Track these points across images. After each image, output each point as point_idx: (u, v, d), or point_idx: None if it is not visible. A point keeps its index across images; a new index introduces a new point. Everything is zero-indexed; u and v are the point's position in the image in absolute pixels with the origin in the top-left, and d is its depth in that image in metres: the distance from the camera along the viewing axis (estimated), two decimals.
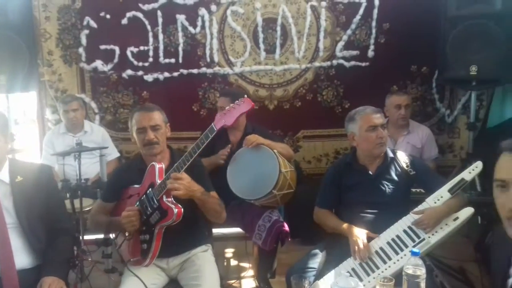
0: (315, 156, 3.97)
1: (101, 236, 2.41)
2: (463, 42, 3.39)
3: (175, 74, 3.77)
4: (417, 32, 3.73)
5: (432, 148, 3.49)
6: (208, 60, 3.78)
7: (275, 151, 2.70)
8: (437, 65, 3.68)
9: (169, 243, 2.14)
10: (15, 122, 4.30)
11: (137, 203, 2.16)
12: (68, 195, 2.71)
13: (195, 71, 3.78)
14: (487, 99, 3.94)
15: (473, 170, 2.18)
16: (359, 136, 2.39)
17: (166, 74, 3.76)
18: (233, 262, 3.45)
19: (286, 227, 2.73)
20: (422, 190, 2.44)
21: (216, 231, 3.26)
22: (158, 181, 2.10)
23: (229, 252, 3.55)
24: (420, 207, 2.21)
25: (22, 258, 1.97)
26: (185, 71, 3.77)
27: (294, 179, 2.76)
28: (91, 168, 3.39)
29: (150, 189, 2.13)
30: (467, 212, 2.10)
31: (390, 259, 2.12)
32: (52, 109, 3.76)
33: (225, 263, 3.41)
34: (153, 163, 2.17)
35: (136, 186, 2.23)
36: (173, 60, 3.77)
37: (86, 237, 2.76)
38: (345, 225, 2.32)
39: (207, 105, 3.84)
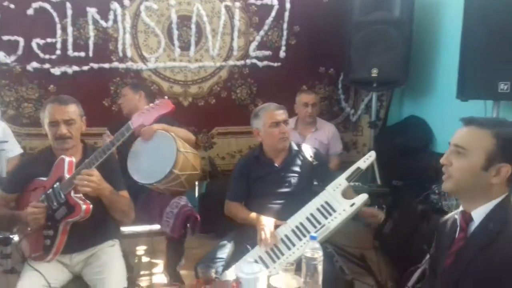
0: (229, 152, 4.05)
1: None
2: (366, 46, 3.64)
3: (85, 68, 3.64)
4: (325, 36, 3.95)
5: (337, 144, 3.73)
6: (121, 54, 3.70)
7: (171, 133, 2.71)
8: (343, 67, 3.90)
9: (74, 239, 2.08)
10: None
11: (43, 196, 2.07)
12: None
13: (106, 65, 3.68)
14: (387, 99, 4.27)
15: (367, 159, 2.38)
16: (263, 132, 2.52)
17: (75, 68, 3.62)
18: (145, 259, 3.39)
19: (193, 211, 2.75)
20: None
21: (126, 229, 3.21)
22: (67, 176, 2.04)
23: (140, 249, 3.49)
24: (320, 195, 2.35)
25: None
26: (95, 65, 3.66)
27: (197, 162, 2.82)
28: None
29: (57, 183, 2.06)
30: (362, 198, 2.27)
31: (294, 245, 2.24)
32: None
33: (136, 260, 3.36)
34: (63, 156, 2.10)
35: (42, 178, 2.14)
36: (83, 54, 3.64)
37: None
38: (253, 215, 2.42)
39: (118, 100, 3.75)
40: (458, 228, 1.44)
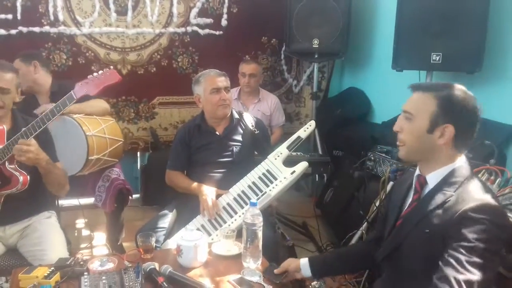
0: (171, 123, 3.96)
1: None
2: (306, 17, 3.69)
3: (13, 31, 3.37)
4: (267, 5, 3.94)
5: (280, 116, 3.76)
6: (52, 18, 3.45)
7: (74, 117, 2.50)
8: (285, 38, 3.90)
9: (7, 210, 2.00)
10: None
11: None
12: None
13: (36, 29, 3.43)
14: (328, 71, 4.35)
15: (307, 128, 2.43)
16: (204, 98, 2.49)
17: (2, 31, 3.34)
18: (85, 232, 3.32)
19: (124, 182, 2.69)
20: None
21: (66, 202, 3.10)
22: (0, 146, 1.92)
23: (80, 222, 3.40)
24: (262, 164, 2.38)
25: None
26: (24, 29, 3.40)
27: (116, 131, 2.72)
28: None
29: None
30: (302, 165, 2.32)
31: (236, 213, 2.26)
32: None
33: (76, 233, 3.27)
34: None
35: None
36: (10, 16, 3.35)
37: None
38: (195, 184, 2.41)
39: (52, 67, 3.49)
40: (413, 191, 1.49)
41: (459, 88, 1.40)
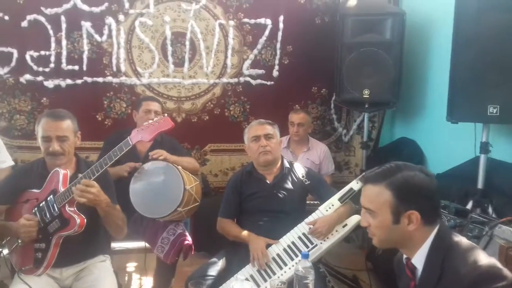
0: (221, 169, 4.04)
1: None
2: (357, 67, 3.69)
3: (79, 81, 3.64)
4: (317, 56, 4.01)
5: (329, 165, 3.73)
6: (115, 69, 3.71)
7: (179, 168, 2.63)
8: (335, 88, 3.94)
9: (65, 253, 2.06)
10: None
11: (35, 209, 2.05)
12: None
13: (100, 79, 3.68)
14: (378, 120, 4.32)
15: (360, 180, 2.39)
16: (247, 147, 2.58)
17: (69, 81, 3.61)
18: (135, 276, 3.36)
19: (189, 240, 2.72)
20: (316, 202, 2.60)
21: (117, 245, 3.16)
22: (62, 189, 2.02)
23: (130, 266, 3.45)
24: (313, 215, 2.36)
25: None
26: (89, 79, 3.66)
27: (199, 192, 2.75)
28: None
29: (51, 195, 2.03)
30: (355, 219, 2.28)
31: (286, 264, 2.23)
32: None
33: (126, 277, 3.31)
34: (57, 169, 2.07)
35: (35, 190, 2.11)
36: (76, 67, 3.63)
37: None
38: (245, 233, 2.41)
39: (112, 114, 3.75)
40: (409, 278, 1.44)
41: (408, 167, 1.37)
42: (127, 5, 3.67)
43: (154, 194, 2.52)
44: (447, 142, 3.33)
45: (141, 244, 2.91)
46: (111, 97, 3.74)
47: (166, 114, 2.32)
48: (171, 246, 2.66)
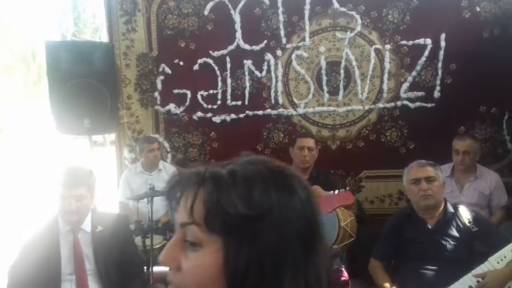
0: (378, 196, 3.96)
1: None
2: None
3: (241, 115, 3.95)
4: (486, 72, 3.65)
5: (502, 196, 3.32)
6: (273, 102, 3.93)
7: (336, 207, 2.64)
8: (508, 106, 3.57)
9: None
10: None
11: None
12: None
13: (260, 112, 3.94)
14: None
15: None
16: (406, 189, 2.50)
17: (233, 116, 3.95)
18: None
19: (346, 276, 2.75)
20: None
21: None
22: None
23: None
24: (482, 267, 2.17)
25: None
26: (250, 113, 3.95)
27: (354, 227, 2.75)
28: (163, 205, 3.63)
29: None
30: None
31: None
32: (129, 148, 4.07)
33: None
34: None
35: None
36: (239, 103, 3.95)
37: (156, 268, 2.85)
38: (387, 285, 2.37)
39: (271, 144, 3.98)
40: None
41: None
42: (284, 40, 3.86)
43: None
44: None
45: None
46: (270, 128, 3.97)
47: (348, 188, 2.41)
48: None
